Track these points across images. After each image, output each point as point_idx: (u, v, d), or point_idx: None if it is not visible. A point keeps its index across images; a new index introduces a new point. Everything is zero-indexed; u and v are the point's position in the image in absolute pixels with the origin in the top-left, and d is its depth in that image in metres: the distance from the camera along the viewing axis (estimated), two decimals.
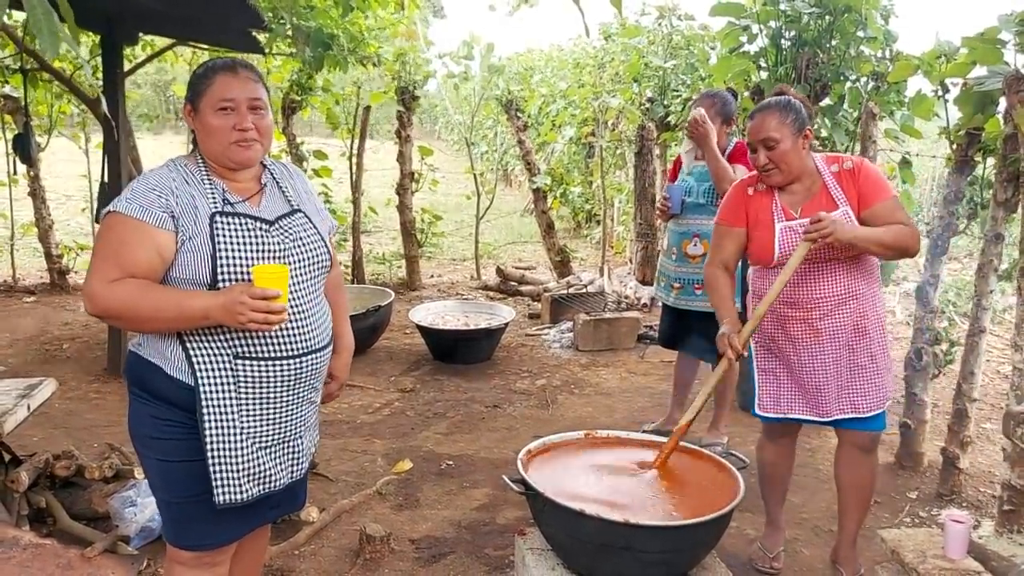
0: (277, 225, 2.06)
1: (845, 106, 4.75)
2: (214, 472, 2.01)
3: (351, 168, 7.85)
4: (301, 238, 2.08)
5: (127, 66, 5.56)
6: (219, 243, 1.95)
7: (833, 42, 4.59)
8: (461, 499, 3.71)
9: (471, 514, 3.56)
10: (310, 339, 2.08)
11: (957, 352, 3.93)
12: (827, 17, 4.52)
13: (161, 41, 6.49)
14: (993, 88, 3.33)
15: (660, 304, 4.40)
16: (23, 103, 6.29)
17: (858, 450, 2.91)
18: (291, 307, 2.01)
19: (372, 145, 9.48)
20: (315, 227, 2.14)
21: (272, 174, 2.17)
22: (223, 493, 2.02)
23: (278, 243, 2.03)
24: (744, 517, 3.43)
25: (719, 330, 2.75)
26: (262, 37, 5.31)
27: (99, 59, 5.58)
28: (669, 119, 7.31)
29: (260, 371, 2.01)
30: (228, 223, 1.98)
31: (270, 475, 2.10)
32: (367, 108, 7.70)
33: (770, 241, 2.75)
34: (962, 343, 3.71)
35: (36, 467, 3.23)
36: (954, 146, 3.77)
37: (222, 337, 1.98)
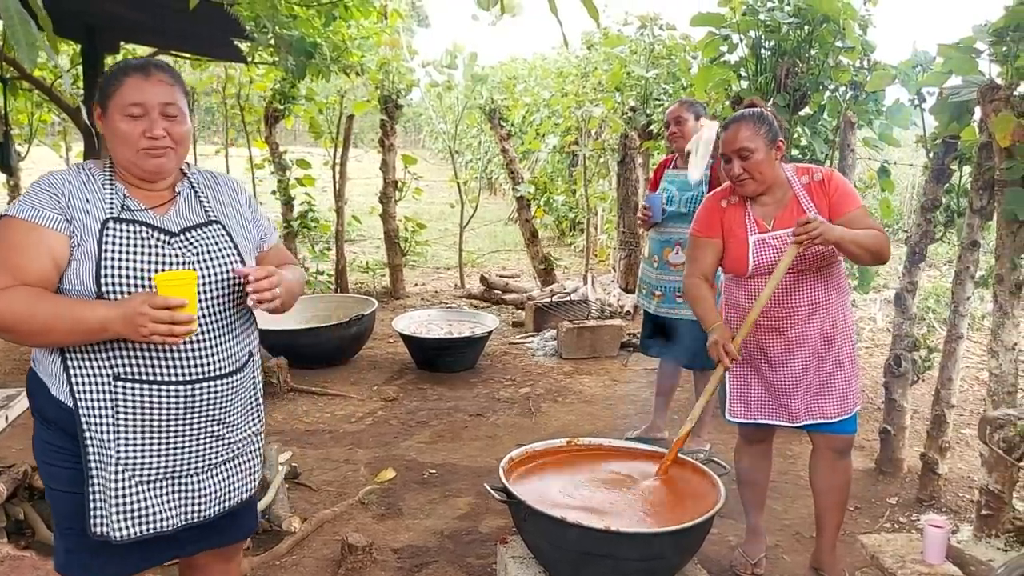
0: (182, 237, 1.89)
1: (824, 115, 4.80)
2: (91, 502, 1.83)
3: (334, 177, 7.84)
4: (209, 251, 1.90)
5: None
6: (105, 250, 1.79)
7: (812, 52, 4.63)
8: (444, 508, 3.70)
9: (454, 523, 3.56)
10: (209, 364, 1.88)
11: (936, 358, 3.97)
12: (806, 27, 4.57)
13: (142, 50, 6.47)
14: (968, 97, 3.37)
15: (642, 311, 4.42)
16: (3, 112, 6.26)
17: (832, 454, 2.96)
18: None
19: (356, 154, 9.48)
20: (231, 240, 1.96)
21: (191, 182, 2.01)
22: (98, 526, 1.84)
23: (177, 255, 1.85)
24: (726, 524, 3.44)
25: (708, 338, 2.78)
26: (244, 46, 5.31)
27: (80, 68, 5.55)
28: (651, 128, 7.35)
29: (143, 396, 1.82)
30: (121, 230, 1.82)
31: (155, 515, 1.88)
32: (350, 117, 7.70)
33: (744, 253, 2.80)
34: (940, 349, 3.74)
35: (14, 479, 3.19)
36: (931, 155, 3.81)
37: (103, 355, 1.81)
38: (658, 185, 4.22)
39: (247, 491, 2.08)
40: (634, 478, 2.78)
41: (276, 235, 2.19)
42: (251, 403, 2.07)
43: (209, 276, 1.89)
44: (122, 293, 1.78)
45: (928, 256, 3.97)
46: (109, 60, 5.78)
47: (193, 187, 2.00)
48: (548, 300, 6.94)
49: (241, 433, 2.03)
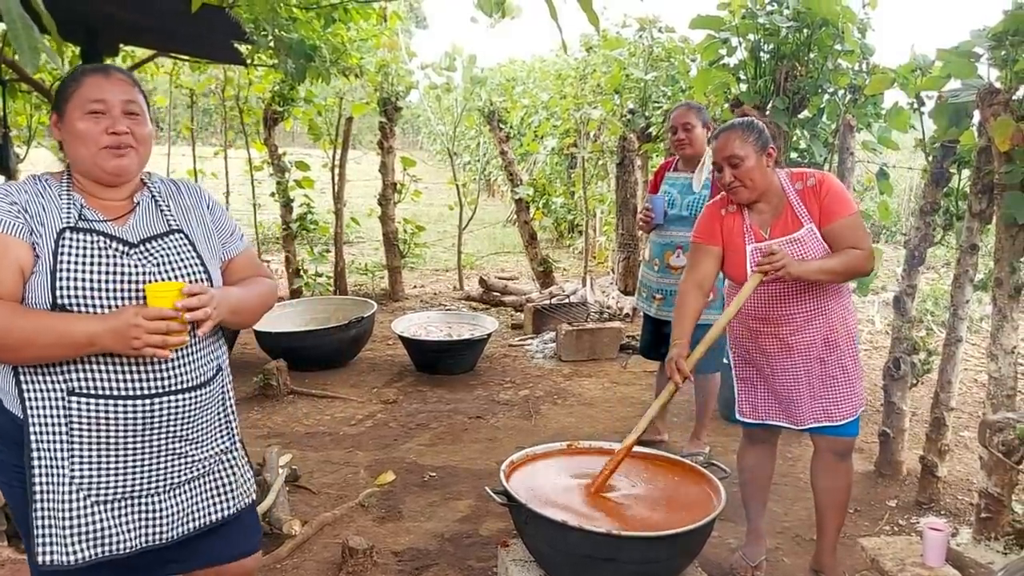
0: (142, 247, 1.82)
1: (823, 118, 4.81)
2: (38, 527, 1.74)
3: (333, 179, 7.84)
4: (171, 261, 1.84)
5: None
6: (61, 261, 1.72)
7: (811, 55, 4.64)
8: (444, 511, 3.70)
9: (454, 526, 3.56)
10: (169, 377, 1.81)
11: (935, 361, 3.98)
12: (805, 31, 4.58)
13: (142, 52, 6.47)
14: (967, 101, 3.38)
15: (642, 314, 4.42)
16: (2, 114, 6.25)
17: (833, 456, 2.97)
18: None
19: (355, 156, 9.48)
20: (194, 250, 1.90)
21: (152, 192, 1.95)
22: (47, 553, 1.74)
23: (136, 266, 1.78)
24: (726, 527, 3.45)
25: (668, 353, 2.78)
26: (244, 48, 5.31)
27: None
28: (650, 130, 7.36)
29: (99, 411, 1.75)
30: (77, 240, 1.76)
31: (111, 537, 1.80)
32: (349, 119, 7.71)
33: (742, 262, 2.82)
34: (940, 352, 3.75)
35: None
36: (930, 158, 3.82)
37: (56, 368, 1.74)
38: (659, 187, 4.23)
39: (219, 511, 1.99)
40: (634, 480, 2.78)
41: (243, 243, 2.11)
42: (219, 419, 1.99)
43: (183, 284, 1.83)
44: (79, 306, 1.72)
45: (926, 259, 3.98)
46: (108, 62, 5.78)
47: (153, 196, 1.94)
48: (547, 302, 6.95)
49: (206, 451, 1.95)
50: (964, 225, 3.55)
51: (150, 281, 1.77)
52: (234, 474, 2.03)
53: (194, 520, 1.94)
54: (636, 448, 3.06)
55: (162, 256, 1.84)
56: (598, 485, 2.68)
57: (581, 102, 8.21)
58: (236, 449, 2.06)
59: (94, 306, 1.73)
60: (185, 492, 1.92)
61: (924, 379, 4.26)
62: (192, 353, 1.87)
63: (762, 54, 4.78)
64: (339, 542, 3.26)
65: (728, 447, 4.27)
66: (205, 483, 1.97)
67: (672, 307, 4.06)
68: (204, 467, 1.96)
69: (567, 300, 7.02)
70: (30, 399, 1.75)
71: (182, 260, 1.87)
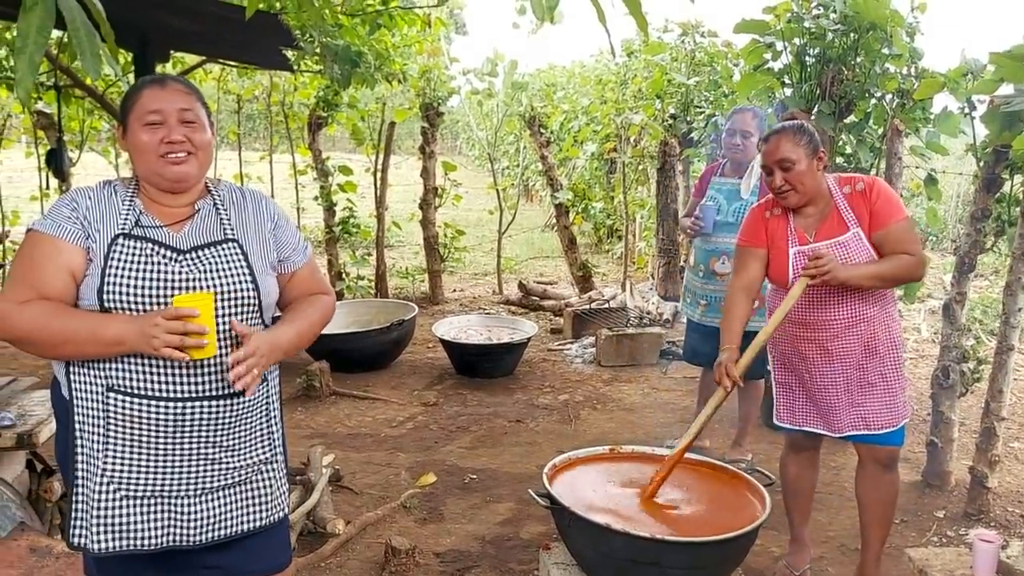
0: (191, 255, 1.86)
1: (870, 123, 4.74)
2: (74, 510, 1.83)
3: (375, 183, 7.92)
4: (218, 270, 1.86)
5: None
6: (111, 265, 1.79)
7: (858, 59, 4.59)
8: (485, 513, 3.72)
9: (495, 528, 3.58)
10: (204, 383, 1.83)
11: (985, 370, 3.90)
12: (852, 35, 4.53)
13: (191, 58, 6.61)
14: (1020, 107, 3.32)
15: (684, 320, 4.40)
16: (56, 119, 6.43)
17: (878, 466, 2.91)
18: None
19: (396, 161, 9.56)
20: (245, 259, 1.91)
21: (215, 199, 1.98)
22: (77, 536, 1.84)
23: (183, 273, 1.82)
24: (769, 535, 3.41)
25: (718, 358, 2.77)
26: (290, 55, 5.40)
27: (132, 76, 5.69)
28: (692, 135, 7.33)
29: (133, 409, 1.80)
30: (128, 246, 1.82)
31: (136, 532, 1.84)
32: (391, 124, 7.78)
33: (784, 265, 2.80)
34: (990, 361, 3.68)
35: None
36: (981, 163, 3.75)
37: (98, 364, 1.80)
38: (704, 192, 4.20)
39: (252, 521, 1.97)
40: (679, 486, 2.77)
41: (306, 257, 2.09)
42: (261, 429, 1.98)
43: (216, 294, 1.84)
44: (123, 308, 1.78)
45: (975, 266, 3.91)
46: (160, 69, 5.91)
47: (216, 204, 1.97)
48: (586, 307, 6.94)
49: (244, 459, 1.94)
50: (1017, 232, 3.49)
51: (195, 288, 1.82)
52: (270, 486, 2.02)
53: (225, 527, 1.93)
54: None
55: (210, 264, 1.86)
56: (651, 491, 2.67)
57: (622, 107, 8.19)
58: (276, 461, 2.04)
59: (136, 310, 1.79)
60: (218, 498, 1.92)
61: (973, 388, 4.18)
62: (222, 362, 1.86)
63: (807, 58, 4.73)
64: (382, 542, 3.30)
65: (771, 455, 4.22)
66: (241, 492, 1.96)
67: (716, 313, 4.06)
68: (240, 475, 1.95)
69: (606, 305, 7.01)
70: (75, 390, 1.83)
71: (231, 270, 1.88)
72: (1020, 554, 2.99)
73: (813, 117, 4.54)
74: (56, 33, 5.16)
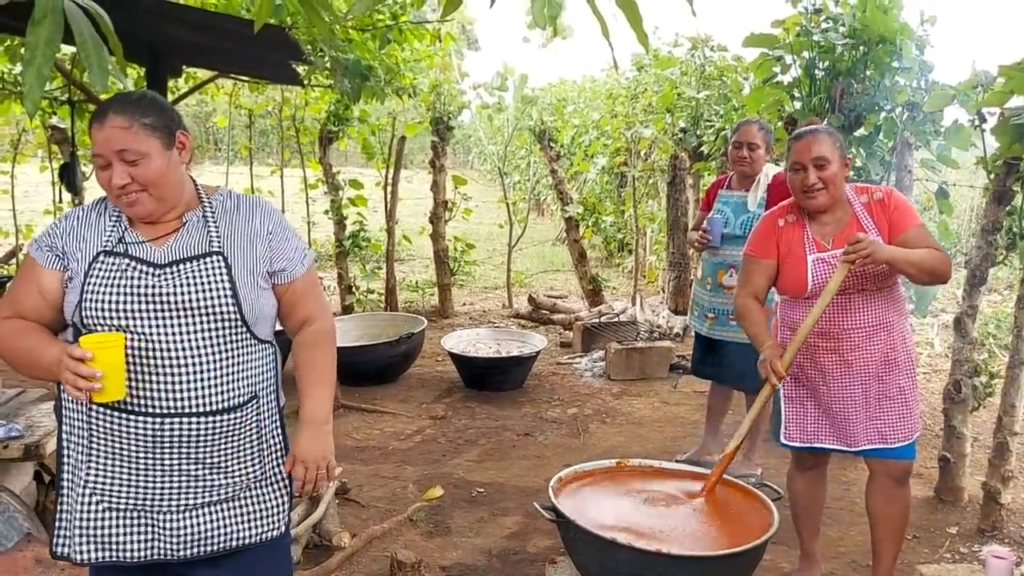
0: (170, 269, 1.82)
1: (880, 136, 4.73)
2: (57, 520, 1.86)
3: (386, 197, 7.94)
4: (197, 283, 1.82)
5: (170, 98, 5.71)
6: (89, 283, 1.80)
7: (867, 72, 4.58)
8: (492, 527, 3.70)
9: (502, 542, 3.55)
10: (184, 400, 1.81)
11: (997, 384, 3.86)
12: (861, 48, 4.52)
13: (203, 73, 6.67)
14: None
15: (693, 333, 4.38)
16: (70, 134, 6.49)
17: (890, 481, 2.87)
18: (163, 359, 1.79)
19: (406, 174, 9.60)
20: (228, 273, 1.85)
21: (206, 210, 1.92)
22: (60, 545, 1.87)
23: (158, 288, 1.80)
24: (778, 550, 3.38)
25: (759, 356, 2.75)
26: (301, 69, 5.44)
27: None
28: (702, 149, 7.33)
29: (115, 423, 1.81)
30: (108, 263, 1.82)
31: (119, 544, 1.84)
32: (402, 138, 7.81)
33: (803, 273, 2.76)
34: (1002, 375, 3.64)
35: None
36: (992, 176, 3.73)
37: None
38: (711, 205, 4.19)
39: (243, 538, 1.94)
40: (685, 500, 2.75)
41: (304, 267, 2.00)
42: (251, 447, 1.94)
43: (193, 309, 1.81)
44: (101, 325, 1.79)
45: (988, 280, 3.88)
46: (171, 83, 5.97)
47: (205, 215, 1.92)
48: (596, 321, 6.92)
49: (231, 477, 1.91)
50: None
51: (168, 303, 1.80)
52: (263, 503, 1.98)
53: (212, 543, 1.91)
54: (687, 467, 3.05)
55: (187, 278, 1.82)
56: (709, 487, 2.76)
57: (632, 121, 8.21)
58: (270, 477, 1.99)
59: (113, 326, 1.79)
60: (202, 514, 1.89)
61: (987, 403, 4.14)
62: (218, 377, 1.84)
63: (817, 71, 4.73)
64: (387, 555, 3.28)
65: (781, 469, 4.18)
66: (229, 508, 1.93)
67: (724, 326, 4.05)
68: (228, 492, 1.92)
69: (616, 319, 6.99)
70: (64, 401, 1.88)
71: (209, 283, 1.83)
72: None
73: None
74: (71, 48, 5.22)
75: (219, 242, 1.89)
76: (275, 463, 2.00)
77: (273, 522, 2.00)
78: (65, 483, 1.86)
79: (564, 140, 10.20)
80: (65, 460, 1.87)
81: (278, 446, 2.01)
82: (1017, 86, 3.40)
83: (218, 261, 1.86)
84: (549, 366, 6.38)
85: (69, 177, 6.01)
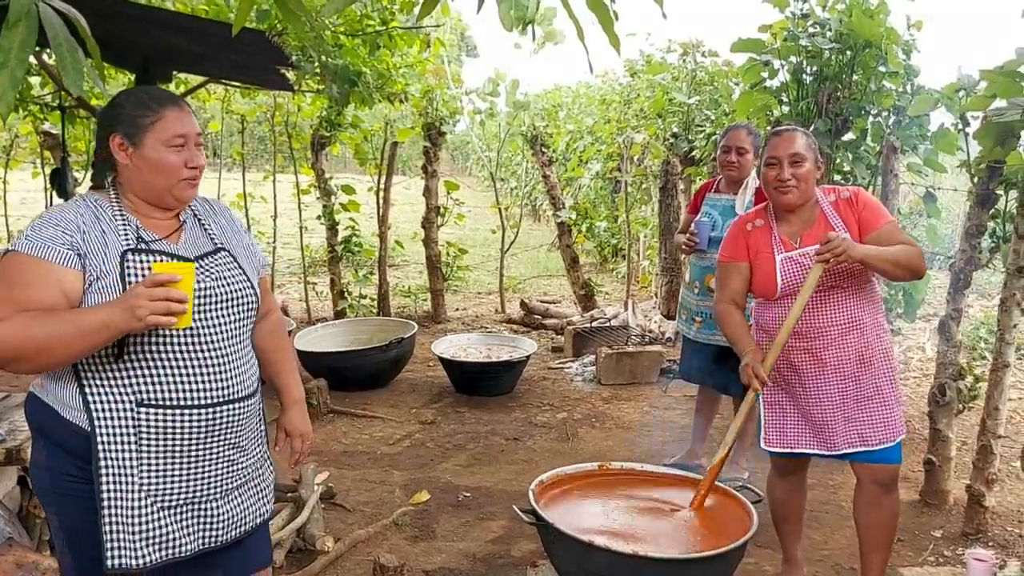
0: (198, 264, 1.89)
1: (867, 141, 4.75)
2: (107, 532, 1.80)
3: (378, 203, 7.95)
4: (225, 277, 1.93)
5: None
6: (129, 283, 1.79)
7: (854, 77, 4.60)
8: (477, 531, 3.70)
9: (486, 546, 3.55)
10: (228, 387, 1.90)
11: (982, 387, 3.87)
12: (848, 52, 4.55)
13: (194, 79, 6.67)
14: (1013, 120, 3.31)
15: (682, 337, 4.38)
16: (61, 139, 6.49)
17: (876, 487, 2.84)
18: (208, 350, 1.87)
19: (403, 181, 9.62)
20: (240, 267, 1.99)
21: (194, 211, 2.03)
22: (116, 556, 1.81)
23: (200, 281, 1.87)
24: (763, 553, 3.38)
25: (742, 361, 2.75)
26: (291, 75, 5.45)
27: None
28: (693, 154, 7.34)
29: (166, 421, 1.82)
30: (140, 261, 1.84)
31: (173, 540, 1.88)
32: (394, 144, 7.82)
33: (772, 273, 2.78)
34: (987, 378, 3.65)
35: None
36: (975, 179, 3.74)
37: (126, 381, 1.81)
38: (698, 208, 4.20)
39: (258, 516, 2.07)
40: (666, 503, 2.75)
41: (266, 264, 2.19)
42: (259, 429, 2.08)
43: (228, 300, 1.92)
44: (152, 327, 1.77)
45: (980, 285, 3.88)
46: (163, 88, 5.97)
47: (196, 215, 2.02)
48: (587, 325, 6.92)
49: (249, 459, 2.03)
50: (1011, 247, 3.47)
51: (209, 296, 1.88)
52: (266, 481, 2.12)
53: (242, 524, 2.02)
54: (669, 471, 3.05)
55: (215, 271, 1.93)
56: (698, 502, 2.73)
57: (625, 126, 8.23)
58: (268, 457, 2.14)
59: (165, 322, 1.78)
60: (235, 497, 2.00)
61: (972, 406, 4.13)
62: (244, 364, 1.97)
63: (804, 76, 4.75)
64: (371, 560, 3.27)
65: (767, 473, 4.19)
66: (248, 489, 2.04)
67: (711, 330, 4.05)
68: (247, 474, 2.03)
69: (608, 323, 6.99)
70: (98, 411, 1.81)
71: (233, 277, 1.95)
72: (1017, 574, 2.96)
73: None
74: None
75: (218, 240, 2.01)
76: (265, 444, 2.14)
77: (270, 499, 2.14)
78: (110, 493, 1.81)
79: (558, 146, 10.21)
80: (105, 470, 1.80)
81: (264, 427, 2.14)
82: (999, 90, 3.41)
83: (227, 256, 1.98)
84: (540, 371, 6.38)
85: (60, 182, 6.01)
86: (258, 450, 2.08)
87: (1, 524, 2.89)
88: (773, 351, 2.72)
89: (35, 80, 6.68)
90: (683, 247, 4.16)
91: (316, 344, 6.03)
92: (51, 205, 6.67)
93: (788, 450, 2.90)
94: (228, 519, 1.98)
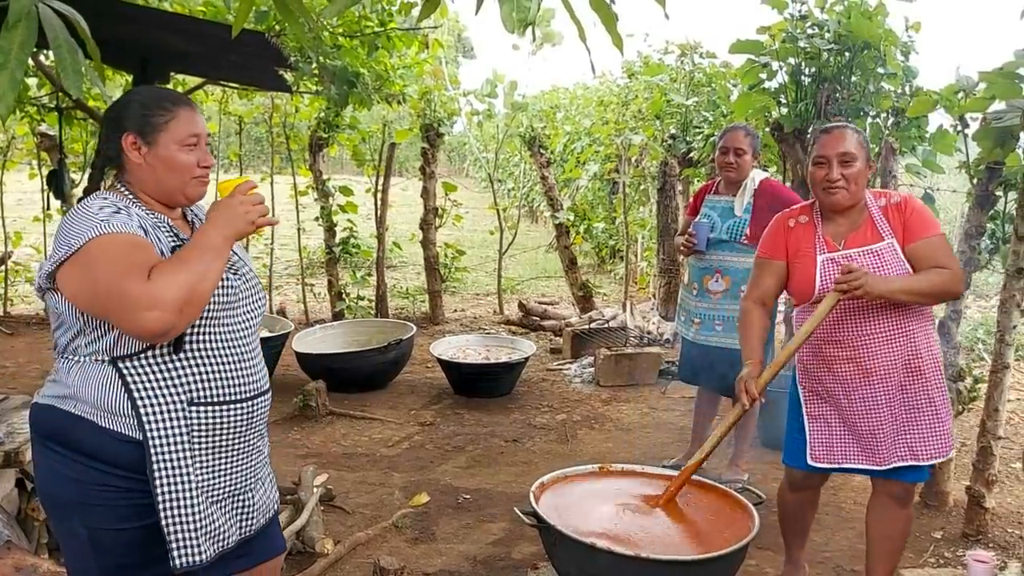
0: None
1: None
2: (170, 534, 1.79)
3: (376, 204, 7.94)
4: (244, 274, 1.99)
5: None
6: None
7: (853, 78, 4.60)
8: (477, 533, 3.69)
9: (487, 548, 3.54)
10: (258, 380, 1.98)
11: (982, 388, 3.87)
12: (846, 53, 4.54)
13: (192, 79, 6.67)
14: (1011, 122, 3.31)
15: (681, 339, 4.38)
16: (58, 141, 6.48)
17: (893, 501, 2.77)
18: (242, 345, 1.93)
19: (400, 182, 9.60)
20: (248, 264, 2.05)
21: (193, 211, 2.06)
22: (181, 556, 1.80)
23: (236, 280, 1.94)
24: (764, 555, 3.38)
25: (740, 369, 2.71)
26: (290, 76, 5.44)
27: None
28: (691, 155, 7.34)
29: (215, 417, 1.86)
30: None
31: (222, 532, 1.92)
32: (392, 145, 7.81)
33: (811, 273, 2.67)
34: (986, 379, 3.65)
35: None
36: (974, 181, 3.74)
37: (178, 382, 1.82)
38: (698, 210, 4.20)
39: (276, 503, 2.16)
40: (667, 504, 2.75)
41: None
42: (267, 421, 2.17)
43: (253, 296, 2.00)
44: (205, 317, 1.83)
45: (978, 286, 3.89)
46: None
47: (195, 213, 2.06)
48: (586, 327, 6.92)
49: (267, 446, 2.12)
50: (1010, 249, 3.47)
51: (247, 298, 1.96)
52: (273, 470, 2.19)
53: (268, 511, 2.09)
54: (667, 471, 3.04)
55: (241, 270, 1.99)
56: (661, 503, 2.71)
57: (623, 127, 8.22)
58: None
59: (221, 318, 1.89)
60: (264, 486, 2.08)
61: (972, 407, 4.14)
62: (260, 360, 2.04)
63: (803, 77, 4.74)
64: (371, 562, 3.26)
65: (767, 474, 4.19)
66: (268, 475, 2.13)
67: (710, 332, 4.05)
68: (267, 461, 2.13)
69: (606, 325, 6.99)
70: (149, 416, 1.80)
71: (250, 273, 2.02)
72: (1018, 575, 2.96)
73: (809, 136, 4.54)
74: None
75: None
76: None
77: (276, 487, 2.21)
78: (167, 496, 1.80)
79: (556, 147, 10.20)
80: (160, 473, 1.79)
81: None
82: (998, 91, 3.41)
83: (235, 255, 2.00)
84: (539, 372, 6.38)
85: (57, 184, 6.00)
86: (268, 438, 2.15)
87: (0, 527, 2.87)
88: (770, 369, 2.66)
89: (32, 81, 6.66)
90: (681, 248, 4.16)
91: (314, 346, 6.02)
92: (47, 207, 6.66)
93: (836, 466, 2.77)
94: (260, 507, 2.05)
